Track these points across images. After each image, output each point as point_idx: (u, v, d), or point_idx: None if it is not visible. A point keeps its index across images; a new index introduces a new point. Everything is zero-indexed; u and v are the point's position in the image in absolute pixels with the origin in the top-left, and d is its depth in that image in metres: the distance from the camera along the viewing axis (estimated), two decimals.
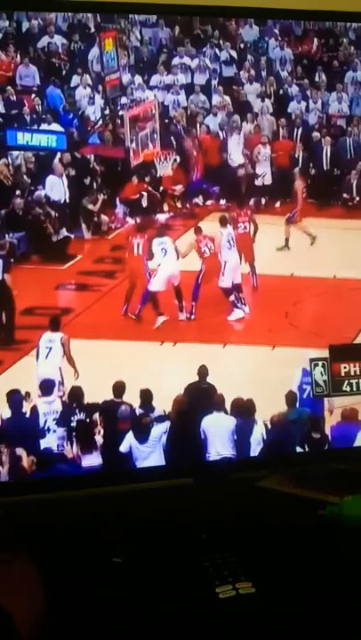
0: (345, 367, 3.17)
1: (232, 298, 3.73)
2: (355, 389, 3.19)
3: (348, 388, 3.20)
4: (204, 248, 3.84)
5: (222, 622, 2.02)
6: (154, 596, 2.20)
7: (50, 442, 3.20)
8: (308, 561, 2.37)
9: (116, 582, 2.29)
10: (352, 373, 3.20)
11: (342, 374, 3.18)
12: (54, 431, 3.24)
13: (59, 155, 3.77)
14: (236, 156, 3.89)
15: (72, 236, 3.73)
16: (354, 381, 3.19)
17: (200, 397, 3.23)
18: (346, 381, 3.20)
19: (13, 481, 2.92)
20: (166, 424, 3.18)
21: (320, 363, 3.17)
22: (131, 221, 3.68)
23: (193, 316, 3.68)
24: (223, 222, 3.84)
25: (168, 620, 2.07)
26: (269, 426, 3.25)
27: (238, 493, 2.87)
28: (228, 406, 3.26)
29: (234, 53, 4.07)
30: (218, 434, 3.20)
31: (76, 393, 3.28)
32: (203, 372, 3.30)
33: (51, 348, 3.36)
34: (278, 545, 2.45)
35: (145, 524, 2.59)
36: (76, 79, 3.92)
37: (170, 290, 3.72)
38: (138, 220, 3.70)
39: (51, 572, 2.03)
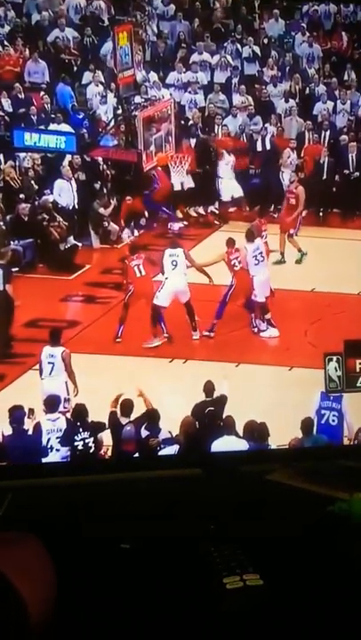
0: (360, 363, 3.26)
1: (268, 316, 3.79)
2: None
3: None
4: (235, 261, 3.89)
5: (229, 612, 2.10)
6: (161, 584, 2.30)
7: (52, 461, 3.32)
8: (315, 555, 2.46)
9: (123, 568, 2.40)
10: None
11: (357, 370, 3.27)
12: (57, 450, 3.37)
13: (68, 157, 3.91)
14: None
15: (80, 245, 3.84)
16: None
17: (208, 420, 3.33)
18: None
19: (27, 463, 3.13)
20: (175, 447, 3.29)
21: (334, 358, 3.25)
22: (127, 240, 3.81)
23: (212, 334, 3.74)
24: (250, 237, 3.87)
25: (175, 608, 2.15)
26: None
27: (247, 486, 2.99)
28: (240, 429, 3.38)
29: (257, 49, 4.17)
30: None
31: (80, 411, 3.40)
32: (209, 388, 3.31)
33: (53, 364, 3.43)
34: (286, 538, 2.55)
35: (154, 512, 2.71)
36: (87, 76, 4.03)
37: (176, 306, 3.75)
38: (131, 239, 3.82)
39: (60, 557, 2.16)
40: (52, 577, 2.06)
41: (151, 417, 3.29)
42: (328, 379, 3.27)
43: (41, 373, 3.47)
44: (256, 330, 3.82)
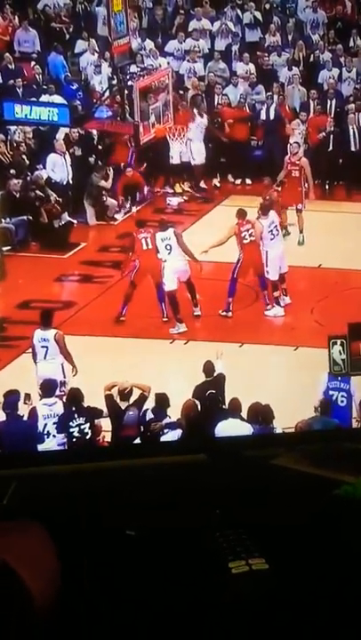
0: None
1: (277, 293, 3.69)
2: None
3: None
4: (245, 233, 3.76)
5: (235, 596, 2.10)
6: (167, 569, 2.28)
7: (49, 447, 3.23)
8: (321, 539, 2.43)
9: (129, 555, 2.39)
10: None
11: None
12: (54, 436, 3.28)
13: (62, 131, 3.78)
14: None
15: (75, 222, 3.72)
16: None
17: (209, 403, 3.25)
18: None
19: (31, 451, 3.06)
20: (178, 432, 3.20)
21: (339, 341, 3.21)
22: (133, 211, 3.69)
23: (230, 314, 3.64)
24: (264, 210, 3.74)
25: (181, 593, 2.16)
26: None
27: (252, 470, 2.95)
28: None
29: (259, 15, 4.01)
30: None
31: (75, 395, 3.29)
32: (209, 368, 3.24)
33: (47, 348, 3.33)
34: (291, 522, 2.52)
35: (159, 498, 2.68)
36: (80, 44, 3.90)
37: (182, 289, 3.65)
38: (132, 214, 3.70)
39: (64, 544, 2.14)
40: (55, 564, 2.06)
41: (159, 401, 3.18)
42: (333, 362, 3.21)
43: (35, 357, 3.37)
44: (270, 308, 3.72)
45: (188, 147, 3.73)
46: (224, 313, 3.68)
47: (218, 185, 3.83)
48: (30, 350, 3.37)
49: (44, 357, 3.36)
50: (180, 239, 3.66)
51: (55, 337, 3.33)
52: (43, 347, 3.35)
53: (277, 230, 3.73)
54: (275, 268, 3.71)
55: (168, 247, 3.67)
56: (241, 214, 3.73)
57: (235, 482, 2.76)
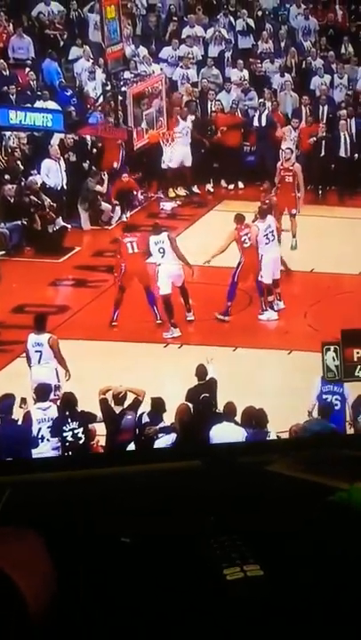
0: (358, 352, 3.20)
1: (271, 298, 3.69)
2: None
3: None
4: (245, 237, 3.76)
5: (230, 603, 2.11)
6: (161, 576, 2.29)
7: (43, 451, 3.24)
8: (316, 545, 2.44)
9: (123, 562, 2.40)
10: None
11: (355, 359, 3.22)
12: (48, 440, 3.28)
13: (57, 137, 3.80)
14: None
15: (69, 227, 3.75)
16: None
17: (203, 407, 3.26)
18: (359, 367, 3.23)
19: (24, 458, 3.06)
20: (172, 436, 3.21)
21: (332, 347, 3.22)
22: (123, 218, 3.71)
23: (228, 318, 3.64)
24: (262, 214, 3.75)
25: (175, 600, 2.16)
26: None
27: (246, 476, 2.97)
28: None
29: (251, 22, 4.06)
30: None
31: (69, 400, 3.28)
32: (201, 371, 3.25)
33: (41, 352, 3.33)
34: (286, 529, 2.54)
35: (154, 505, 2.69)
36: (75, 51, 3.94)
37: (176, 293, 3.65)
38: (125, 220, 3.72)
39: (59, 551, 2.15)
40: (51, 571, 2.06)
41: (155, 405, 3.20)
42: (326, 368, 3.22)
43: (29, 362, 3.37)
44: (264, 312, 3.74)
45: (173, 149, 3.75)
46: (221, 317, 3.69)
47: (211, 190, 3.85)
48: (24, 355, 3.38)
49: (38, 362, 3.36)
50: (173, 243, 3.66)
51: (49, 341, 3.33)
52: (37, 351, 3.35)
53: (273, 235, 3.74)
54: (268, 272, 3.73)
55: (161, 250, 3.68)
56: (239, 219, 3.75)
57: (229, 488, 2.78)
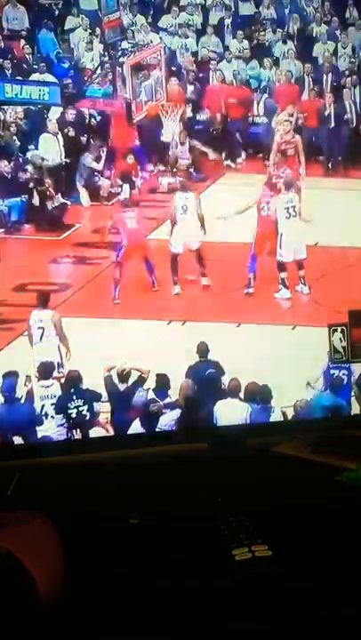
0: None
1: (283, 275, 3.66)
2: None
3: None
4: (264, 205, 3.70)
5: (238, 583, 2.12)
6: (170, 557, 2.30)
7: (48, 429, 3.28)
8: (324, 526, 2.49)
9: (132, 543, 2.46)
10: None
11: None
12: (52, 417, 3.31)
13: (55, 111, 3.75)
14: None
15: (69, 203, 3.69)
16: None
17: (208, 383, 3.25)
18: None
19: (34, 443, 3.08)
20: (177, 411, 3.23)
21: (339, 328, 3.23)
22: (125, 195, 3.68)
23: (252, 290, 3.64)
24: (287, 185, 3.68)
25: (184, 580, 2.17)
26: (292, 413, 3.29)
27: (254, 458, 3.02)
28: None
29: None
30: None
31: (74, 378, 3.20)
32: (202, 348, 3.27)
33: (43, 329, 3.33)
34: (293, 510, 2.59)
35: (161, 486, 2.75)
36: (71, 21, 3.85)
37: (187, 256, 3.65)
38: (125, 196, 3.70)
39: (68, 533, 2.19)
40: (60, 554, 2.09)
41: (160, 382, 3.24)
42: (333, 349, 3.24)
43: (31, 339, 3.38)
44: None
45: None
46: (246, 290, 3.66)
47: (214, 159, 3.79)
48: (27, 333, 3.38)
49: (40, 339, 3.36)
50: (199, 203, 3.64)
51: (52, 318, 3.34)
52: (39, 327, 3.34)
53: (295, 211, 3.68)
54: (289, 250, 3.67)
55: (184, 207, 3.65)
56: (270, 185, 3.71)
57: (237, 469, 2.81)
